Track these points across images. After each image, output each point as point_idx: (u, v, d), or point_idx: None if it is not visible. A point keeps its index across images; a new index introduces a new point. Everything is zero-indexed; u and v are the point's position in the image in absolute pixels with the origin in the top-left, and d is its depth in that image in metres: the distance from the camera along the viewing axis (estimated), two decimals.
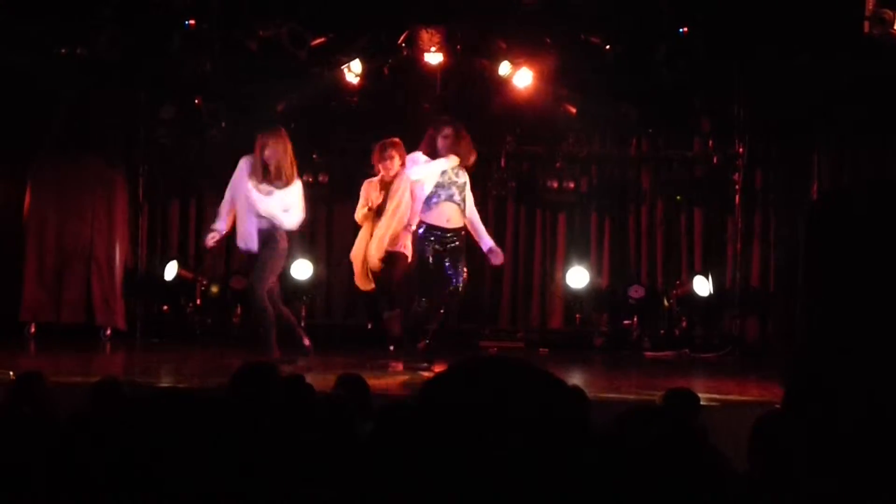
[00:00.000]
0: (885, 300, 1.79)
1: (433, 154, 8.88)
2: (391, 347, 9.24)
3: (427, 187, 8.78)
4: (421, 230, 8.82)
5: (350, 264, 9.20)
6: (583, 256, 11.37)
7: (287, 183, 8.72)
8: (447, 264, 8.78)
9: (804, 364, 1.89)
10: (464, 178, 8.96)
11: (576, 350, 10.89)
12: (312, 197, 11.67)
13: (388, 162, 8.82)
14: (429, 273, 8.81)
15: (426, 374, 8.46)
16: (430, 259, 8.77)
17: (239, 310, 11.60)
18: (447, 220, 8.85)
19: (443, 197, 8.83)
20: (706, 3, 9.72)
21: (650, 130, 11.45)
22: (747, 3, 9.48)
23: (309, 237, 11.48)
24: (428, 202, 8.81)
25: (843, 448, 1.76)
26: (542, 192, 11.49)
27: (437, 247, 8.78)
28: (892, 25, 7.99)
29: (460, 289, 8.89)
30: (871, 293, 1.81)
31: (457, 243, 8.88)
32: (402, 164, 8.85)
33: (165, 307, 11.27)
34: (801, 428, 1.81)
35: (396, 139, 8.97)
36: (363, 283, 9.01)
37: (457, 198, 8.86)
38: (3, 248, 11.03)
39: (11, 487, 2.65)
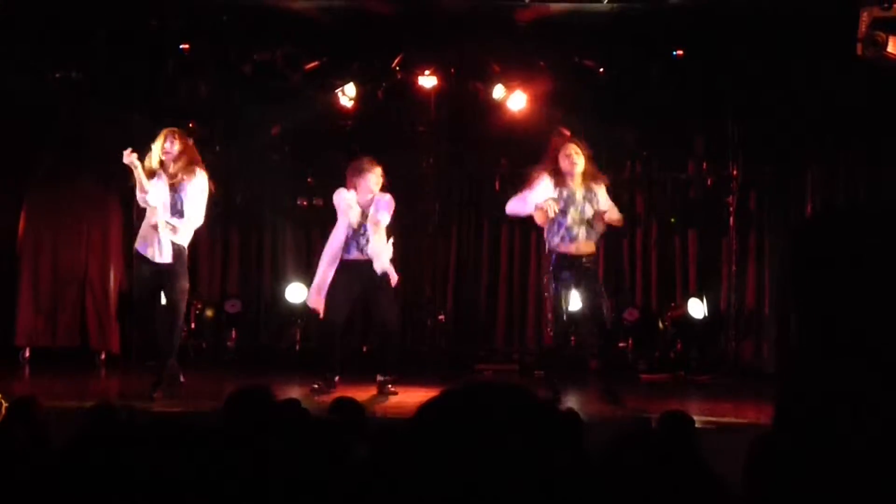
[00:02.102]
0: (873, 320, 1.79)
1: None
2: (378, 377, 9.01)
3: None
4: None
5: None
6: None
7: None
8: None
9: (793, 382, 1.89)
10: None
11: (571, 372, 10.84)
12: (307, 220, 11.70)
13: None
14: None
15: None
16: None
17: (234, 333, 11.59)
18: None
19: None
20: (699, 26, 9.75)
21: (644, 153, 11.46)
22: (740, 25, 9.50)
23: (305, 260, 11.47)
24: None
25: (836, 467, 1.76)
26: None
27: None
28: (885, 47, 8.01)
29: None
30: (859, 312, 1.81)
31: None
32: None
33: None
34: (794, 447, 1.81)
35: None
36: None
37: None
38: None
39: None
